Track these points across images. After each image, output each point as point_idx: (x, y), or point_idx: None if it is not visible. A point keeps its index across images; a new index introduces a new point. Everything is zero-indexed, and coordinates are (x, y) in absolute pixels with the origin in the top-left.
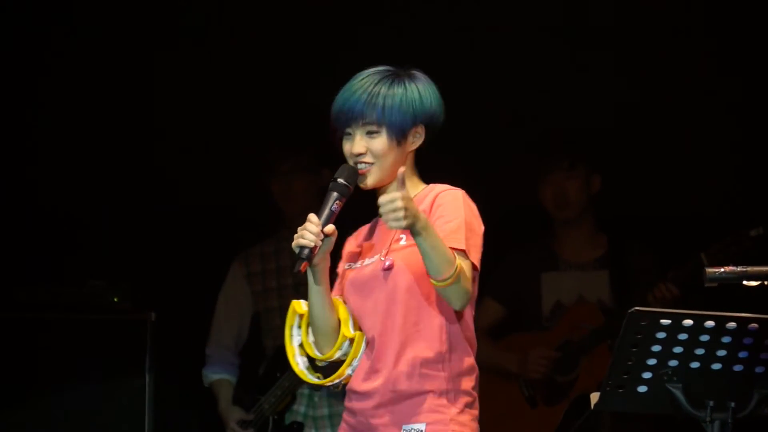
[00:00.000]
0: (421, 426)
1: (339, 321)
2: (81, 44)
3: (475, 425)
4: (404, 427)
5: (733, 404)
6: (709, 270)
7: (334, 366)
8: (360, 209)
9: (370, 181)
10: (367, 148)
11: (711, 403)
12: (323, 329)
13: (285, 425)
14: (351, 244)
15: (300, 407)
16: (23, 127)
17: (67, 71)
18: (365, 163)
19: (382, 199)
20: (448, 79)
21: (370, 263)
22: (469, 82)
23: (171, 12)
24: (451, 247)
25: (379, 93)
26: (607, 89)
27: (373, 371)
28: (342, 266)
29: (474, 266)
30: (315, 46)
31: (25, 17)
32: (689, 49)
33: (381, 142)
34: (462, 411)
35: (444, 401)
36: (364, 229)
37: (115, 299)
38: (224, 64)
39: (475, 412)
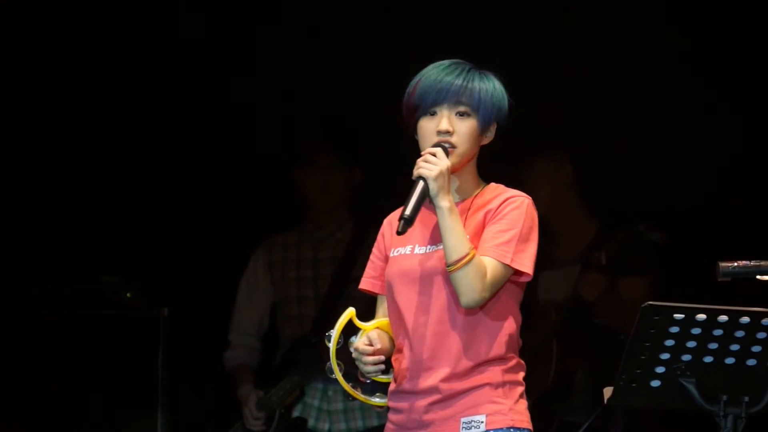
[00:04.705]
0: (481, 417)
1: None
2: (104, 41)
3: (528, 414)
4: (463, 420)
5: (746, 399)
6: (723, 264)
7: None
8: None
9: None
10: (454, 128)
11: (724, 397)
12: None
13: (291, 419)
14: (394, 225)
15: (314, 401)
16: (38, 124)
17: (85, 73)
18: (448, 143)
19: (427, 150)
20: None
21: (424, 253)
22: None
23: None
24: (495, 258)
25: (473, 79)
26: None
27: (425, 369)
28: (383, 250)
29: (522, 273)
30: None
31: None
32: (671, 45)
33: (470, 125)
34: (518, 401)
35: (501, 392)
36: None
37: (129, 295)
38: (247, 55)
39: (526, 402)
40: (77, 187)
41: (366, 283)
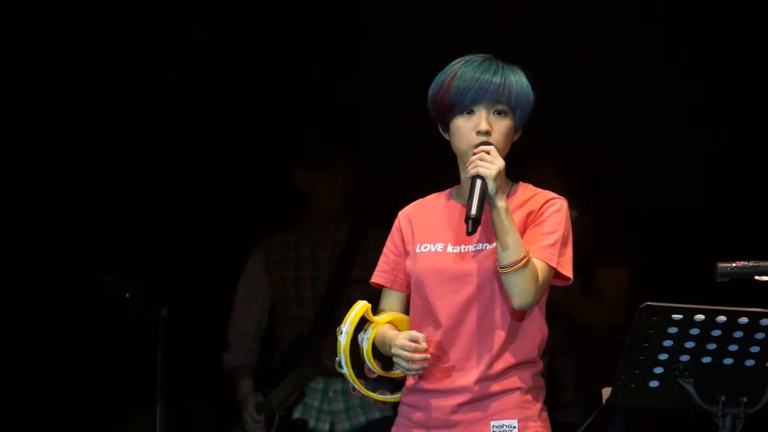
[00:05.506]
0: (513, 422)
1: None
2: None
3: (549, 422)
4: (494, 423)
5: (745, 399)
6: (721, 265)
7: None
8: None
9: None
10: (492, 128)
11: (723, 398)
12: None
13: (291, 420)
14: (414, 221)
15: (314, 402)
16: (37, 125)
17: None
18: (487, 143)
19: (481, 148)
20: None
21: (459, 252)
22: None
23: None
24: (543, 261)
25: (509, 76)
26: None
27: (458, 369)
28: (400, 245)
29: (564, 276)
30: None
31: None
32: (665, 44)
33: (507, 124)
34: (543, 408)
35: (530, 397)
36: (425, 205)
37: (127, 295)
38: (248, 56)
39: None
40: (77, 187)
41: (379, 277)
